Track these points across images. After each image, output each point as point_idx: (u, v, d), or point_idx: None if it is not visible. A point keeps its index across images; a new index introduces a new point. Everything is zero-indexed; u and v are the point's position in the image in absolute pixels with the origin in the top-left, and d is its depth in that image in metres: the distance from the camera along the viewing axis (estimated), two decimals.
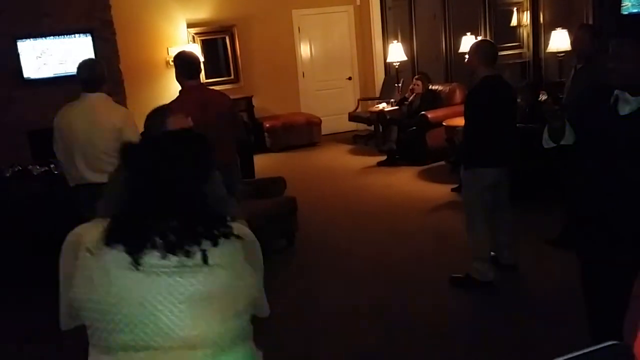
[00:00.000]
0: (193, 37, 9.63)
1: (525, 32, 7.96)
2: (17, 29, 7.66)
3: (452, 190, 6.62)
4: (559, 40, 6.88)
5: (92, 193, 4.14)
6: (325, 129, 10.19)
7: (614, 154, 2.45)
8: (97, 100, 4.11)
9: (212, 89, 4.80)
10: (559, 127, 2.56)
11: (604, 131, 2.49)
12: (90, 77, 4.11)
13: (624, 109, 2.45)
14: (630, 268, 2.36)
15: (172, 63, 9.37)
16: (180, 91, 4.31)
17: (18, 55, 7.77)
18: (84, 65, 4.21)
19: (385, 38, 10.21)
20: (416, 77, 8.73)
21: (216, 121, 4.25)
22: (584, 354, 0.63)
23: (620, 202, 2.44)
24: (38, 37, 7.87)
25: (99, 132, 4.04)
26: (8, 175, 5.49)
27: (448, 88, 8.53)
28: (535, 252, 4.77)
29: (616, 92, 2.47)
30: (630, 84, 2.41)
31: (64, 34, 7.94)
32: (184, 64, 4.29)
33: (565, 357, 0.58)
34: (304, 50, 10.54)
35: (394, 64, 9.46)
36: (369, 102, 10.16)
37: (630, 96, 2.43)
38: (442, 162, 7.73)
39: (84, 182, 4.13)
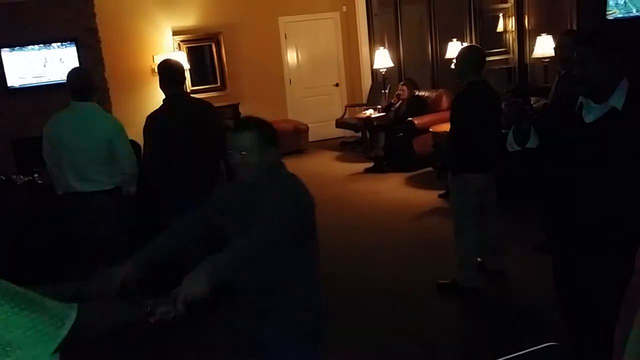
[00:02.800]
0: (179, 45, 9.59)
1: (511, 38, 8.00)
2: (1, 37, 7.60)
3: (439, 196, 6.62)
4: (544, 46, 6.92)
5: (79, 202, 4.13)
6: (313, 135, 10.18)
7: (580, 161, 2.44)
8: (88, 110, 4.08)
9: (196, 98, 4.77)
10: (525, 128, 2.54)
11: (570, 138, 2.48)
12: (80, 85, 4.07)
13: (589, 117, 2.44)
14: (603, 271, 2.40)
15: (157, 71, 9.33)
16: (164, 100, 4.28)
17: (2, 64, 7.72)
18: (74, 74, 4.17)
19: (372, 44, 10.23)
20: (402, 83, 8.75)
21: (201, 130, 4.23)
22: (523, 354, 0.63)
23: (588, 209, 2.44)
24: (22, 45, 7.82)
25: (89, 141, 4.02)
26: None
27: (434, 94, 8.54)
28: (522, 258, 4.76)
29: (580, 99, 2.46)
30: (594, 91, 2.40)
31: (48, 43, 7.89)
32: (167, 72, 4.26)
33: (505, 357, 0.58)
34: (291, 57, 10.53)
35: (381, 70, 9.47)
36: (356, 108, 10.17)
37: (594, 103, 2.42)
38: (430, 169, 7.73)
39: (71, 191, 4.11)
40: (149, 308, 1.80)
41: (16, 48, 7.72)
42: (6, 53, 7.68)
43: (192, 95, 5.52)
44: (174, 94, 4.23)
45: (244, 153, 2.24)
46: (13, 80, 7.79)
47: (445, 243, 4.95)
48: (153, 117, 4.19)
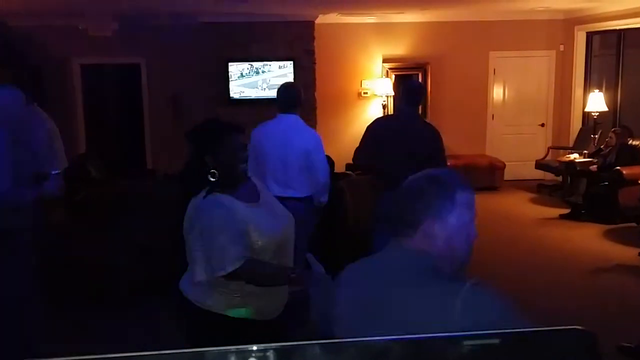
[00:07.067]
0: (387, 72, 9.92)
1: None
2: (228, 52, 8.51)
3: None
4: None
5: None
6: (509, 174, 9.87)
7: None
8: (291, 122, 4.45)
9: (425, 121, 5.03)
10: None
11: None
12: (287, 99, 4.46)
13: None
14: None
15: (363, 95, 9.77)
16: (395, 110, 4.60)
17: (227, 76, 8.63)
18: (283, 88, 4.59)
19: (587, 86, 9.68)
20: (614, 129, 8.18)
21: (413, 146, 4.42)
22: (543, 330, 0.61)
23: None
24: (246, 60, 8.67)
25: (289, 151, 4.36)
26: None
27: None
28: None
29: None
30: None
31: (268, 60, 8.67)
32: (413, 90, 4.66)
33: (525, 330, 0.58)
34: (497, 92, 10.33)
35: (593, 114, 8.93)
36: (560, 151, 9.66)
37: None
38: (634, 224, 7.11)
39: None
40: (294, 275, 2.46)
41: (240, 63, 8.61)
42: (232, 67, 8.60)
43: None
44: (407, 111, 4.50)
45: None
46: (234, 92, 8.69)
47: (637, 305, 4.57)
48: (377, 121, 4.50)
